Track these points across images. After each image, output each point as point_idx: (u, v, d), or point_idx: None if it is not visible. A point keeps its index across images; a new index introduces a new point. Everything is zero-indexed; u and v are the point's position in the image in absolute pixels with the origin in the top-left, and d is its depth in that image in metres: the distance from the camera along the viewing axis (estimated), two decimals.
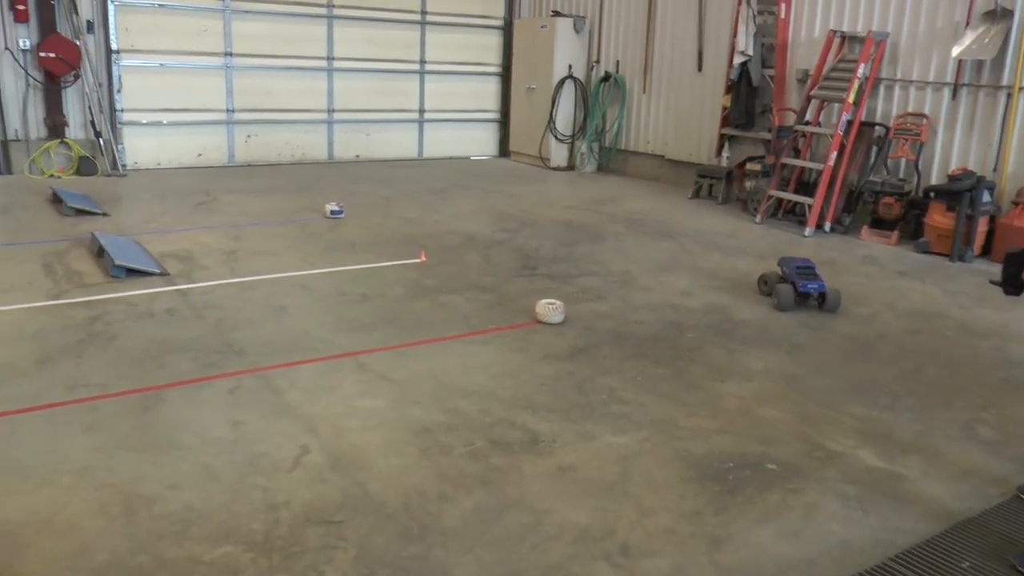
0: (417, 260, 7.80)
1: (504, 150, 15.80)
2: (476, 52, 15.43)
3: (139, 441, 4.18)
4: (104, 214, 9.19)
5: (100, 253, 7.35)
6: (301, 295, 6.64)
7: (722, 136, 12.01)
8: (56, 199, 9.66)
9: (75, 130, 11.99)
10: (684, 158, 12.98)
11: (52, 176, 11.54)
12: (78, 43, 11.61)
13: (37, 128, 11.77)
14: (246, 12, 12.88)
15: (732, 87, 11.66)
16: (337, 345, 5.58)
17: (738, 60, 11.40)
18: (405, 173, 13.26)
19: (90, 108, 11.94)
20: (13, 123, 11.58)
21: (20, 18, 11.33)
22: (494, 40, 15.59)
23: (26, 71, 11.45)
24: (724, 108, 11.89)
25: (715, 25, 12.27)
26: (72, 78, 11.70)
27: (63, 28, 11.60)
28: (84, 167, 11.84)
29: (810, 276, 6.64)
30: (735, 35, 11.51)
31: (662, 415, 4.68)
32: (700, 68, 12.57)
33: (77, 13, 11.68)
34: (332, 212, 9.40)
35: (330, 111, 13.85)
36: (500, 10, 15.62)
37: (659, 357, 5.57)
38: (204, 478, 3.84)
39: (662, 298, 6.90)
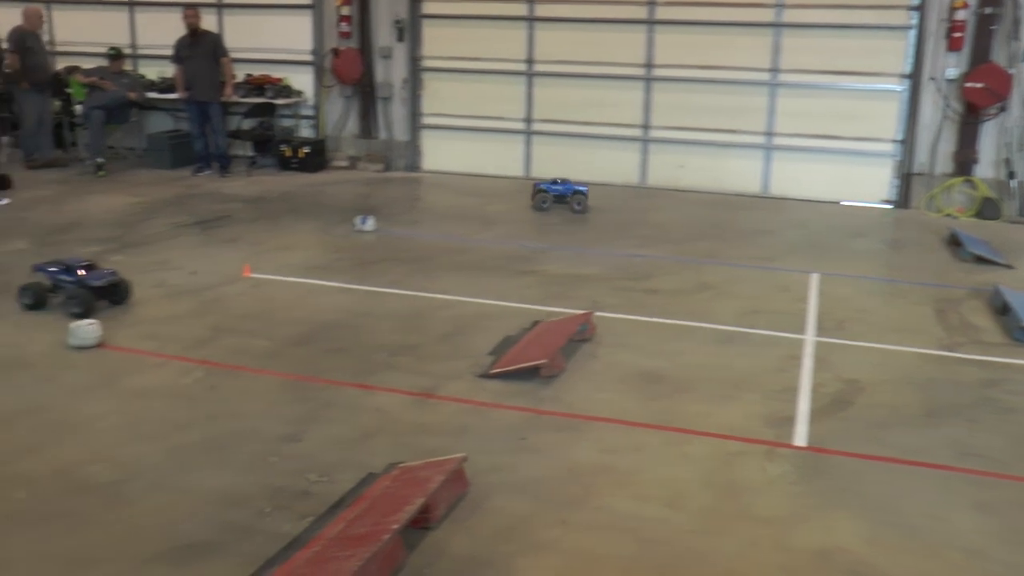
0: None
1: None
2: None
3: None
4: (1008, 266, 8.99)
5: (1004, 310, 7.18)
6: None
7: None
8: (954, 241, 9.84)
9: (984, 168, 12.06)
10: None
11: (949, 215, 11.84)
12: (1012, 72, 11.61)
13: (944, 163, 12.20)
14: None
15: None
16: None
17: None
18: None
19: (1008, 145, 11.85)
20: (921, 155, 12.24)
21: (954, 46, 11.84)
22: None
23: (946, 102, 11.95)
24: None
25: None
26: (995, 111, 11.77)
27: (997, 55, 11.73)
28: (986, 210, 11.83)
29: None
30: None
31: None
32: None
33: (1018, 39, 11.67)
34: None
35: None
36: None
37: None
38: None
39: None
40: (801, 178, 12.56)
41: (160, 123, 14.37)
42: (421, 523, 3.78)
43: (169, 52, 12.82)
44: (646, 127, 13.09)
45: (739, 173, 12.80)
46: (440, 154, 13.86)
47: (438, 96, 13.75)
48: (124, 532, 3.80)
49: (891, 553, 3.77)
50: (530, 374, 5.49)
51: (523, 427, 4.89)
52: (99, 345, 5.92)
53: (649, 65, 12.90)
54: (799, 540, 3.85)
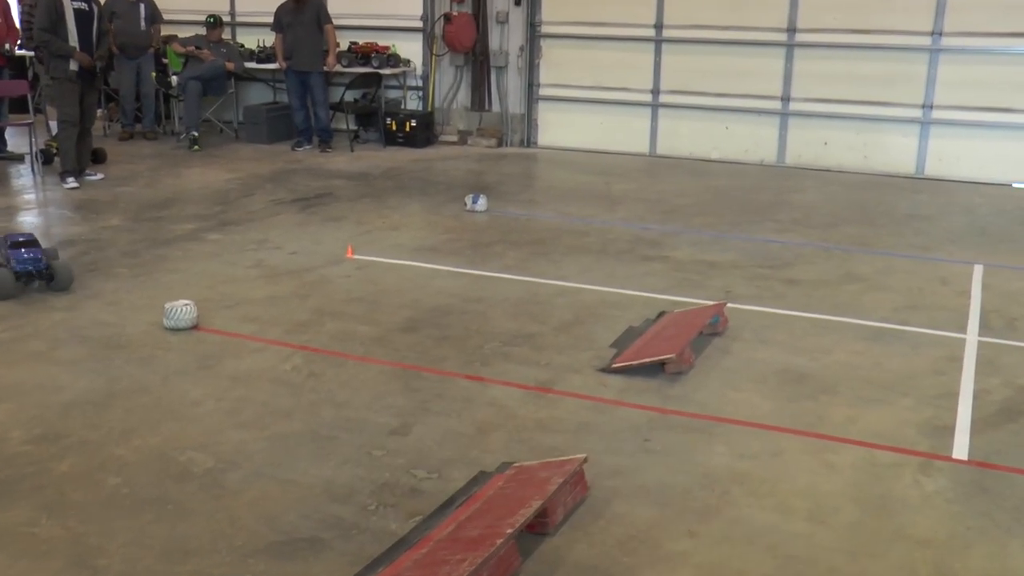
0: None
1: None
2: None
3: None
4: None
5: None
6: None
7: None
8: None
9: None
10: None
11: None
12: None
13: None
14: None
15: None
16: None
17: None
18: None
19: None
20: None
21: None
22: None
23: None
24: None
25: None
26: None
27: None
28: None
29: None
30: None
31: None
32: None
33: None
34: None
35: None
36: None
37: None
38: None
39: None
40: (965, 156, 12.08)
41: (259, 95, 14.82)
42: (538, 528, 3.80)
43: (270, 20, 13.19)
44: (786, 99, 12.81)
45: (892, 151, 12.40)
46: (558, 128, 13.87)
47: (557, 65, 13.75)
48: (223, 523, 3.94)
49: None
50: (655, 370, 5.45)
51: (648, 427, 4.86)
52: (194, 327, 6.14)
53: (792, 29, 12.59)
54: (962, 566, 3.71)
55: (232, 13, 14.98)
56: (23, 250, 6.79)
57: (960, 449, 4.69)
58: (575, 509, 4.01)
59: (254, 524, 3.93)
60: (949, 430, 4.88)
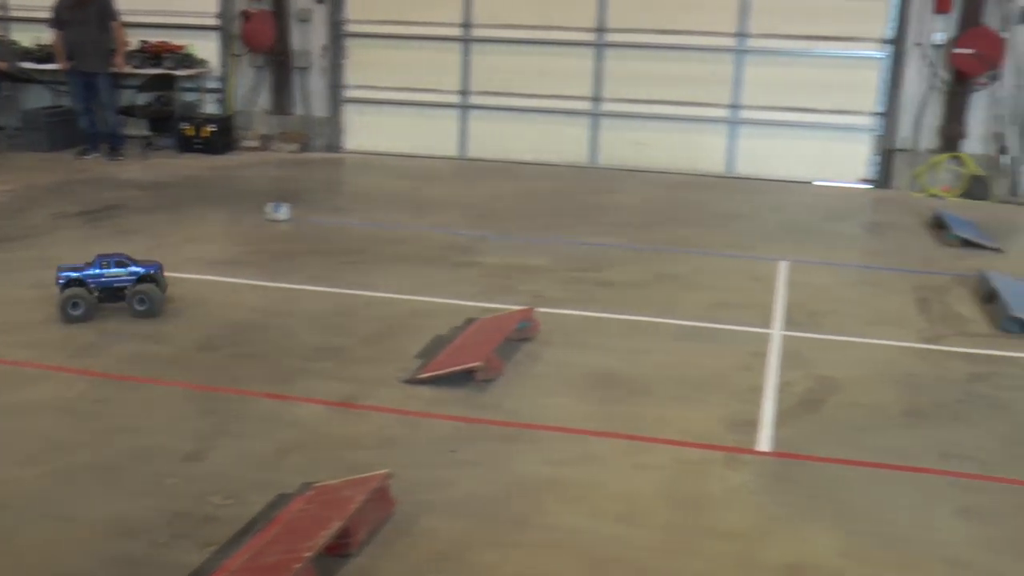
0: None
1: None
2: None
3: None
4: (997, 250, 9.23)
5: (990, 298, 7.37)
6: None
7: None
8: (938, 224, 10.07)
9: (973, 143, 12.34)
10: None
11: (934, 196, 12.10)
12: (1005, 36, 11.88)
13: (929, 138, 12.47)
14: None
15: None
16: None
17: None
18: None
19: (1000, 117, 12.14)
20: (904, 130, 12.49)
21: (941, 8, 12.06)
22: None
23: (933, 70, 12.19)
24: None
25: None
26: (986, 80, 12.03)
27: (990, 18, 11.99)
28: (975, 189, 12.11)
29: None
30: None
31: None
32: None
33: None
34: None
35: None
36: None
37: None
38: None
39: None
40: (771, 156, 12.76)
41: (37, 98, 14.12)
42: (340, 549, 3.79)
43: (47, 15, 12.60)
44: (597, 99, 13.20)
45: (702, 151, 12.97)
46: (365, 132, 13.84)
47: (364, 66, 13.72)
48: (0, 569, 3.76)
49: (867, 566, 3.87)
50: (464, 378, 5.52)
51: (457, 438, 4.92)
52: None
53: (601, 29, 13.00)
54: (766, 556, 3.93)
55: (4, 7, 14.26)
56: None
57: (764, 442, 4.96)
58: (380, 527, 4.01)
59: (35, 569, 3.76)
60: (754, 424, 5.15)
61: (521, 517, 4.19)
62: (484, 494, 4.37)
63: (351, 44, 13.69)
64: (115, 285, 6.56)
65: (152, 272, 6.63)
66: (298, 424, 5.06)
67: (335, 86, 13.75)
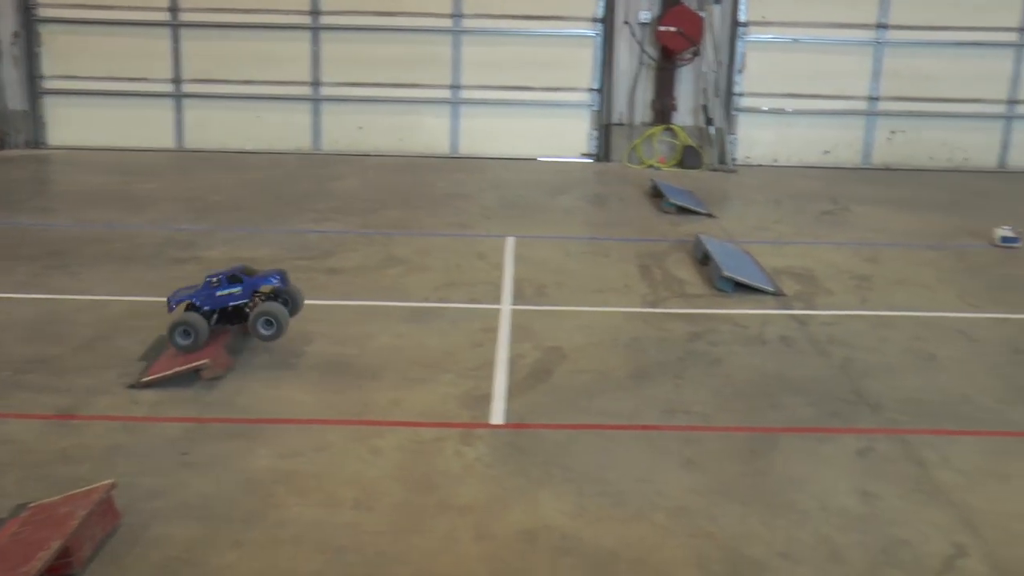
0: None
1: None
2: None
3: (746, 491, 4.39)
4: (709, 215, 9.92)
5: (704, 260, 7.93)
6: (958, 345, 6.38)
7: None
8: (656, 193, 10.71)
9: (683, 116, 13.19)
10: None
11: (651, 167, 12.84)
12: (703, 15, 12.73)
13: (643, 112, 13.21)
14: None
15: None
16: (1009, 420, 5.24)
17: None
18: None
19: (704, 91, 13.02)
20: (619, 105, 13.16)
21: None
22: None
23: (642, 47, 12.91)
24: None
25: None
26: (690, 55, 12.87)
27: None
28: (688, 159, 12.96)
29: None
30: None
31: None
32: None
33: None
34: (1004, 239, 8.88)
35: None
36: None
37: None
38: (824, 555, 3.89)
39: None
40: (494, 134, 13.13)
41: None
42: (62, 570, 3.64)
43: None
44: (317, 84, 13.13)
45: (426, 132, 13.17)
46: (71, 126, 13.16)
47: (64, 54, 13.00)
48: None
49: (597, 523, 4.10)
50: (191, 378, 5.40)
51: (186, 440, 4.81)
52: None
53: (316, 12, 12.91)
54: (501, 525, 4.09)
55: None
56: None
57: (497, 415, 5.15)
58: (106, 541, 3.88)
59: None
60: (487, 399, 5.33)
61: (256, 514, 4.16)
62: (217, 494, 4.30)
63: (46, 30, 12.93)
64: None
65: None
66: (9, 441, 4.79)
67: (32, 77, 12.96)
